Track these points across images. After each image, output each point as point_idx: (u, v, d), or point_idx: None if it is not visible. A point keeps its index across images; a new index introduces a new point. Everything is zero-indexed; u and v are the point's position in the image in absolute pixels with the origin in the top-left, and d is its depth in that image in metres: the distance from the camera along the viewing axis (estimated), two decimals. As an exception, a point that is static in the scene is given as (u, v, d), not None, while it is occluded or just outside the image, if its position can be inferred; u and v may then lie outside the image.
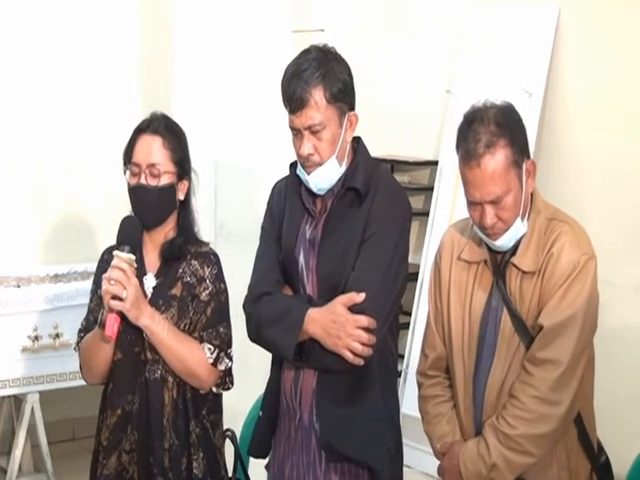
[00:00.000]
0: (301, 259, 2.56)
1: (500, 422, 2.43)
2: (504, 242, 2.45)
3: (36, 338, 4.24)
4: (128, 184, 2.66)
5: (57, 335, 4.28)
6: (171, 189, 2.65)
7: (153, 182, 2.62)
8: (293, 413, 2.59)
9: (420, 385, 2.69)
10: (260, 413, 2.69)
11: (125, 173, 2.67)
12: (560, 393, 2.38)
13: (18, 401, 4.38)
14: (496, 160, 2.37)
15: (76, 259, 4.48)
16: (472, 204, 2.44)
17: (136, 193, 2.64)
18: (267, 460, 2.74)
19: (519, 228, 2.44)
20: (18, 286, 4.30)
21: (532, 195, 2.49)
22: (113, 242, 2.69)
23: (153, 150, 2.63)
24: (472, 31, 4.69)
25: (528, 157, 2.46)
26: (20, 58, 4.58)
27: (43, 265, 4.52)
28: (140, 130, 2.67)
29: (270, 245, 2.63)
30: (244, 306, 2.61)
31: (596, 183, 4.18)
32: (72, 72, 4.70)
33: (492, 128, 2.38)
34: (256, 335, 2.57)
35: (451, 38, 4.85)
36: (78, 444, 4.94)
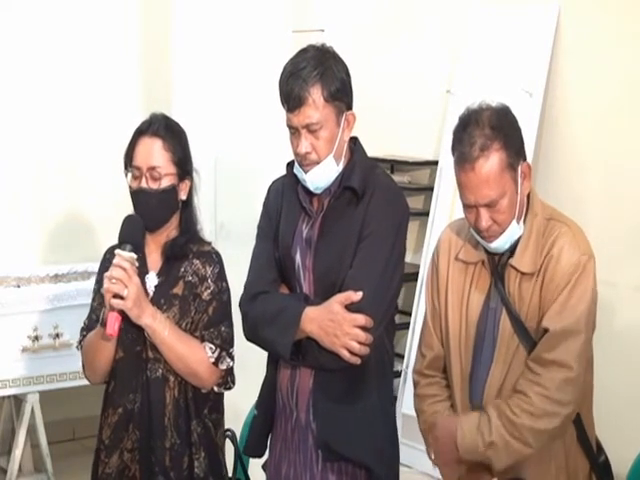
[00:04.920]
0: (298, 258, 2.56)
1: (505, 408, 2.41)
2: (499, 244, 2.45)
3: (36, 338, 4.25)
4: (130, 187, 2.67)
5: (57, 335, 4.29)
6: (172, 191, 2.66)
7: (154, 185, 2.63)
8: (289, 412, 2.59)
9: (416, 384, 2.68)
10: (255, 412, 2.70)
11: (126, 176, 2.68)
12: (566, 393, 2.38)
13: (18, 401, 4.39)
14: (490, 163, 2.36)
15: (76, 259, 4.49)
16: (467, 207, 2.44)
17: (138, 197, 2.65)
18: (264, 459, 2.74)
19: (515, 231, 2.44)
20: (18, 286, 4.31)
21: (529, 196, 2.48)
22: (114, 242, 2.69)
23: (153, 153, 2.63)
24: (472, 31, 4.68)
25: (524, 159, 2.45)
26: (20, 59, 4.58)
27: (43, 265, 4.52)
28: (140, 132, 2.67)
29: (266, 244, 2.63)
30: (240, 305, 2.61)
31: (596, 183, 4.17)
32: (72, 72, 4.71)
33: (486, 131, 2.37)
34: (252, 334, 2.57)
35: (451, 38, 4.84)
36: (78, 444, 4.95)
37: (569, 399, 2.38)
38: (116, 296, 2.52)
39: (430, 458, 2.61)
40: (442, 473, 2.61)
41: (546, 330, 2.40)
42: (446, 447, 2.48)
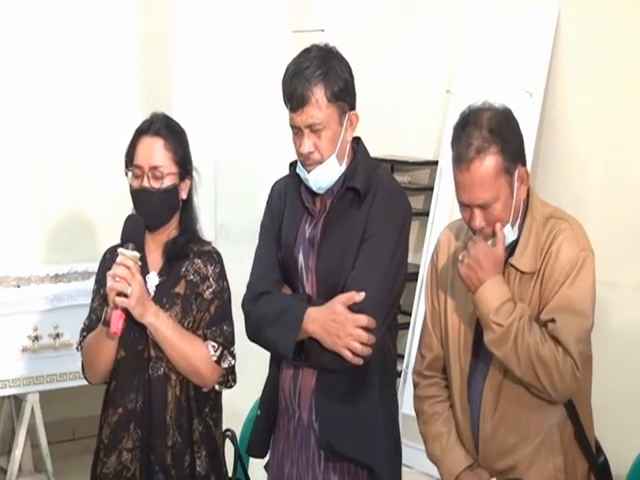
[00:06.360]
0: (300, 258, 2.56)
1: (530, 324, 2.36)
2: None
3: (36, 338, 4.25)
4: (130, 186, 2.66)
5: (57, 335, 4.29)
6: (174, 190, 2.66)
7: (156, 184, 2.63)
8: (292, 412, 2.59)
9: (416, 385, 2.68)
10: (258, 412, 2.70)
11: (127, 175, 2.68)
12: (569, 379, 2.35)
13: (18, 401, 4.38)
14: (485, 166, 2.36)
15: (76, 259, 4.48)
16: (462, 205, 2.44)
17: (139, 196, 2.65)
18: (266, 460, 2.74)
19: (508, 234, 2.43)
20: (18, 286, 4.30)
21: (528, 197, 2.48)
22: (113, 242, 2.70)
23: (155, 152, 2.63)
24: (472, 31, 4.69)
25: (523, 164, 2.44)
26: (21, 59, 4.58)
27: (43, 265, 4.52)
28: (141, 132, 2.67)
29: (269, 244, 2.63)
30: (243, 305, 2.61)
31: (596, 183, 4.18)
32: (72, 72, 4.70)
33: (485, 133, 2.36)
34: (255, 334, 2.57)
35: (451, 38, 4.85)
36: (78, 444, 4.95)
37: (567, 385, 2.36)
38: (120, 294, 2.52)
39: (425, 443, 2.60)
40: (435, 458, 2.59)
41: (549, 321, 2.38)
42: (477, 265, 2.39)
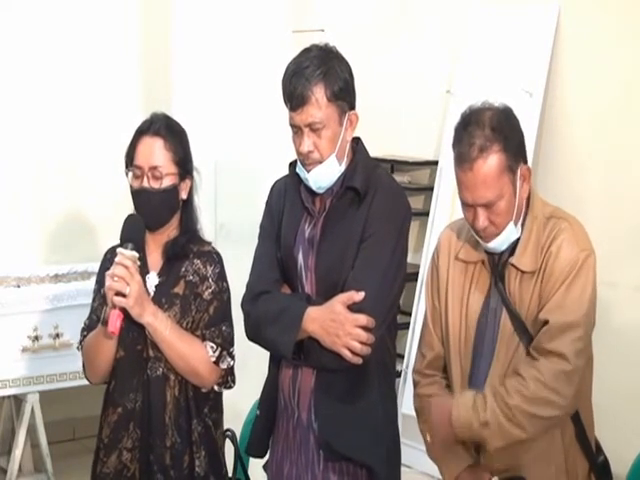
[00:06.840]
0: (300, 258, 2.56)
1: (501, 389, 2.40)
2: (496, 245, 2.45)
3: (36, 338, 4.25)
4: (131, 187, 2.67)
5: (57, 335, 4.29)
6: (174, 190, 2.66)
7: (156, 185, 2.63)
8: (291, 412, 2.59)
9: (416, 384, 2.68)
10: (257, 412, 2.70)
11: (127, 175, 2.68)
12: (563, 384, 2.36)
13: (18, 401, 4.39)
14: (489, 165, 2.36)
15: (76, 259, 4.48)
16: (465, 205, 2.44)
17: (139, 196, 2.65)
18: (265, 460, 2.74)
19: (512, 233, 2.44)
20: (18, 286, 4.30)
21: (529, 197, 2.48)
22: (113, 242, 2.70)
23: (155, 152, 2.63)
24: (472, 31, 4.69)
25: (525, 162, 2.45)
26: (21, 59, 4.58)
27: (43, 265, 4.52)
28: (141, 132, 2.67)
29: (269, 244, 2.63)
30: (242, 304, 2.61)
31: (596, 183, 4.18)
32: (72, 72, 4.71)
33: (487, 132, 2.37)
34: (254, 334, 2.57)
35: (451, 38, 4.85)
36: (78, 444, 4.95)
37: (566, 391, 2.37)
38: (118, 294, 2.52)
39: (425, 441, 2.60)
40: (435, 457, 2.60)
41: (545, 322, 2.39)
42: (441, 425, 2.46)
